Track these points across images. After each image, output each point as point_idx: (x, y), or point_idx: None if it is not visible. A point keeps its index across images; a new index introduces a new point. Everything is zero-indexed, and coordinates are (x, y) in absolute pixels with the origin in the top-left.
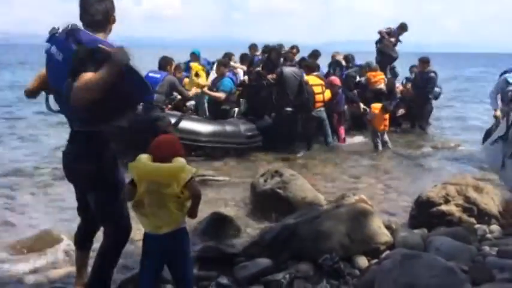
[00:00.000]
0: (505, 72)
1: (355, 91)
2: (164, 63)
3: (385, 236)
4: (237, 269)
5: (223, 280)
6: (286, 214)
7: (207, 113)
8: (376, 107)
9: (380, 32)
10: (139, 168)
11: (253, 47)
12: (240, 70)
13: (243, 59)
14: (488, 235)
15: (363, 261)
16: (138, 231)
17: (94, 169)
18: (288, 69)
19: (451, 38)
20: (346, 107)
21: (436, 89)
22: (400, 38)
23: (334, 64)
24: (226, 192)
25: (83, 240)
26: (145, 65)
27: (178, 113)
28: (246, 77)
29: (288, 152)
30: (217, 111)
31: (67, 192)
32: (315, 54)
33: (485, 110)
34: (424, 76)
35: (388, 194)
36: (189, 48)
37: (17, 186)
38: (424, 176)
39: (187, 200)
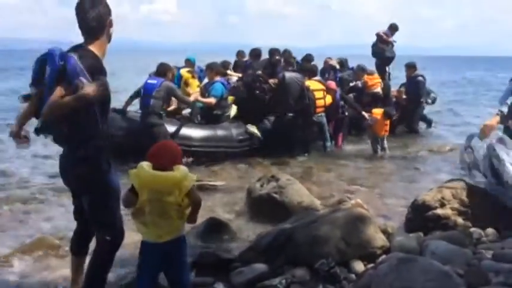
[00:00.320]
0: None
1: (351, 95)
2: (162, 69)
3: (381, 240)
4: (233, 275)
5: (220, 286)
6: (283, 219)
7: (199, 118)
8: (378, 112)
9: (377, 34)
10: (141, 176)
11: (240, 53)
12: (235, 78)
13: (236, 66)
14: (484, 238)
15: (359, 265)
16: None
17: (88, 172)
18: (290, 75)
19: (447, 42)
20: (346, 113)
21: (432, 94)
22: (394, 38)
23: (328, 69)
24: (222, 197)
25: (78, 245)
26: (142, 68)
27: (174, 120)
28: (239, 82)
29: (287, 157)
30: (209, 116)
31: (63, 198)
32: (308, 58)
33: (484, 113)
34: (412, 81)
35: (384, 198)
36: (186, 52)
37: (14, 192)
38: (420, 179)
39: (187, 207)
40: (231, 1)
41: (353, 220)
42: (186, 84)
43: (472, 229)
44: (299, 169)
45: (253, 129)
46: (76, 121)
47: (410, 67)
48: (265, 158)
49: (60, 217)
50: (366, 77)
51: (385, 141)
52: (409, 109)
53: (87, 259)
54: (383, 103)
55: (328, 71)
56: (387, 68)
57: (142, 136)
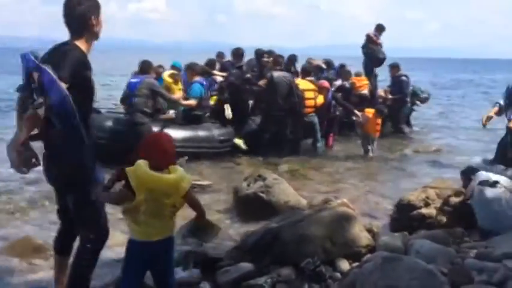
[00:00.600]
0: None
1: (339, 95)
2: (145, 67)
3: (366, 239)
4: (219, 274)
5: (205, 285)
6: (269, 218)
7: (181, 119)
8: (370, 111)
9: (369, 37)
10: (140, 176)
11: (220, 54)
12: (220, 78)
13: (222, 67)
14: (467, 238)
15: (344, 264)
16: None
17: (72, 170)
18: (278, 74)
19: (433, 43)
20: (338, 113)
21: (424, 95)
22: (381, 39)
23: (315, 69)
24: (209, 197)
25: (62, 244)
26: (131, 68)
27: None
28: (223, 83)
29: (275, 156)
30: (190, 117)
31: (48, 199)
32: (291, 58)
33: (471, 115)
34: (395, 81)
35: (370, 198)
36: (175, 51)
37: None
38: (405, 179)
39: (181, 208)
40: (219, 0)
41: (339, 219)
42: (168, 89)
43: (456, 228)
44: (287, 168)
45: (239, 142)
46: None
47: (394, 67)
48: (252, 157)
49: (45, 217)
50: (353, 78)
51: (375, 142)
52: (394, 109)
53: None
54: (370, 104)
55: (314, 71)
56: (375, 70)
57: (127, 135)
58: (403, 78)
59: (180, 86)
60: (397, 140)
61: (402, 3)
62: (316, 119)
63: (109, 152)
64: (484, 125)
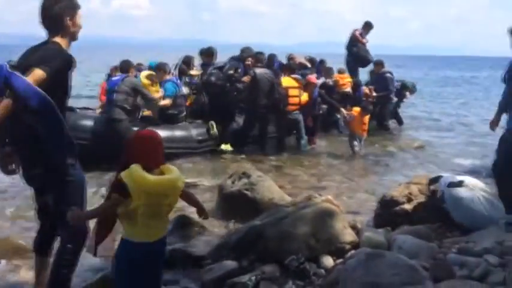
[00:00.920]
0: None
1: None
2: (125, 66)
3: (350, 235)
4: (203, 272)
5: (189, 284)
6: (254, 216)
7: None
8: (356, 110)
9: (355, 36)
10: (137, 181)
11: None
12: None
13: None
14: (449, 233)
15: (328, 261)
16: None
17: (51, 168)
18: (260, 71)
19: (416, 41)
20: (321, 111)
21: (411, 86)
22: (368, 36)
23: (299, 67)
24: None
25: (42, 245)
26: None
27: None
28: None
29: (259, 154)
30: (165, 116)
31: (27, 199)
32: (271, 57)
33: (451, 112)
34: (380, 77)
35: (354, 194)
36: (157, 48)
37: None
38: (389, 175)
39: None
40: None
41: (322, 216)
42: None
43: (438, 224)
44: (271, 166)
45: (226, 147)
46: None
47: (379, 64)
48: (236, 155)
49: (26, 218)
50: (336, 75)
51: (362, 142)
52: (379, 106)
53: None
54: (353, 102)
55: (298, 68)
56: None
57: (103, 133)
58: (388, 75)
59: (157, 87)
60: (381, 137)
61: (386, 1)
62: (300, 117)
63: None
64: (493, 130)
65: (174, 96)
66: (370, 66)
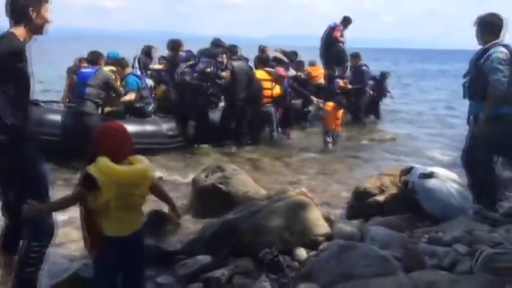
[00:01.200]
0: None
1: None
2: (95, 57)
3: (323, 227)
4: (176, 267)
5: (163, 280)
6: (228, 210)
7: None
8: (329, 104)
9: (335, 37)
10: (105, 173)
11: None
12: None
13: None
14: (420, 224)
15: (302, 253)
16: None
17: (13, 164)
18: (238, 64)
19: (389, 34)
20: (293, 101)
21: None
22: (345, 32)
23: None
24: (167, 189)
25: (8, 242)
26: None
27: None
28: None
29: (234, 147)
30: (131, 110)
31: None
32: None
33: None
34: (356, 70)
35: (328, 186)
36: (131, 40)
37: None
38: (362, 168)
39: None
40: None
41: (296, 208)
42: None
43: (409, 214)
44: (246, 159)
45: (204, 147)
46: None
47: (355, 57)
48: (211, 148)
49: None
50: (308, 68)
51: (338, 135)
52: (354, 98)
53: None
54: (327, 94)
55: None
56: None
57: (72, 128)
58: (364, 68)
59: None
60: (354, 129)
61: None
62: (272, 109)
63: (52, 147)
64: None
65: (138, 90)
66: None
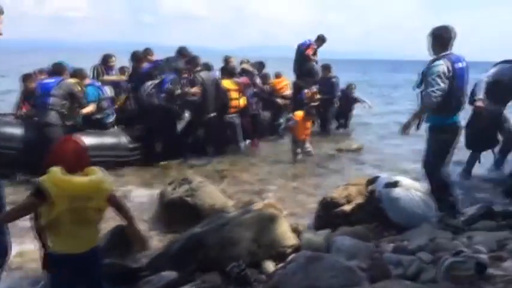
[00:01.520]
0: None
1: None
2: (58, 69)
3: (291, 239)
4: (141, 284)
5: None
6: (196, 223)
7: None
8: (298, 114)
9: (307, 56)
10: (57, 184)
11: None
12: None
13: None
14: (386, 233)
15: (269, 266)
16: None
17: None
18: (205, 75)
19: (355, 46)
20: (260, 111)
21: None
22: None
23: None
24: (132, 204)
25: None
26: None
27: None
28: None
29: (201, 158)
30: (90, 122)
31: None
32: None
33: (386, 112)
34: (327, 81)
35: (296, 197)
36: (96, 51)
37: None
38: (329, 178)
39: (104, 212)
40: (145, 0)
41: (264, 221)
42: None
43: (375, 223)
44: (213, 170)
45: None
46: None
47: (326, 68)
48: (178, 160)
49: None
50: (273, 81)
51: (308, 144)
52: (322, 109)
53: None
54: (295, 105)
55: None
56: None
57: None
58: (334, 80)
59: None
60: (321, 139)
61: (326, 7)
62: (237, 120)
63: (12, 161)
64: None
65: (98, 101)
66: None
